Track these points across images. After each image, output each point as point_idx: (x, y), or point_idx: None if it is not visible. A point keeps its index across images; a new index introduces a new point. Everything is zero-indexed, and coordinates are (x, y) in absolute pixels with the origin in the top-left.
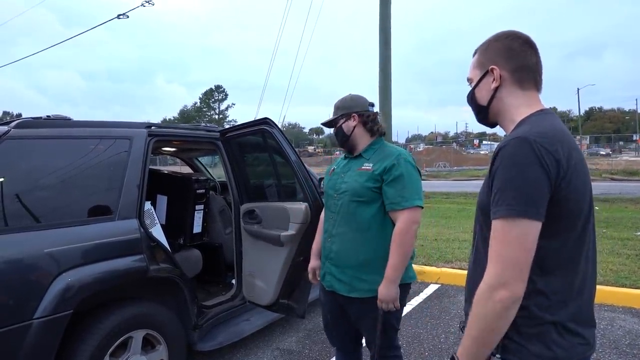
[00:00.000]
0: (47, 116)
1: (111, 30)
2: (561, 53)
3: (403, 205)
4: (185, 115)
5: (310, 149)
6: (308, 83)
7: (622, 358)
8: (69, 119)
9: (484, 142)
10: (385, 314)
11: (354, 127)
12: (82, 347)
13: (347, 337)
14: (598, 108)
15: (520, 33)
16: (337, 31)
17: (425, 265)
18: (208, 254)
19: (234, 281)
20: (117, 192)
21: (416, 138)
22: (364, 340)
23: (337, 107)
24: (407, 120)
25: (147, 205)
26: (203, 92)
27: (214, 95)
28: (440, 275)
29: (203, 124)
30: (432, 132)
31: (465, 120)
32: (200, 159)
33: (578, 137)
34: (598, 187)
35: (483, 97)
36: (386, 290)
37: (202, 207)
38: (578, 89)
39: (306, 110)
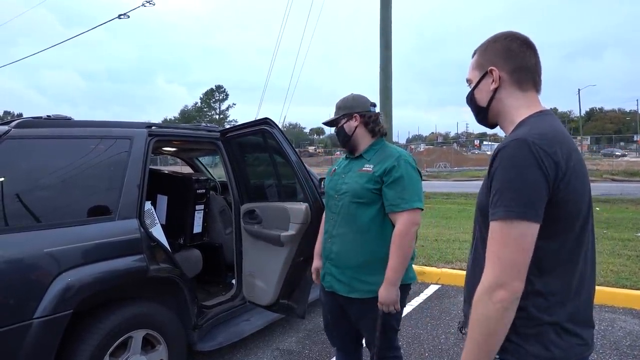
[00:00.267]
0: (48, 116)
1: (111, 30)
2: (561, 53)
3: (403, 207)
4: (186, 115)
5: (311, 149)
6: (309, 83)
7: (623, 359)
8: (70, 119)
9: (485, 142)
10: (385, 315)
11: (356, 128)
12: (82, 347)
13: (347, 337)
14: (599, 109)
15: (519, 34)
16: (338, 30)
17: (426, 265)
18: (208, 254)
19: (234, 281)
20: (118, 192)
21: (417, 138)
22: (364, 341)
23: (339, 107)
24: (408, 120)
25: (148, 205)
26: (204, 92)
27: (215, 95)
28: (440, 276)
29: (203, 124)
30: (432, 133)
31: (466, 121)
32: (200, 159)
33: (579, 137)
34: (599, 188)
35: (482, 98)
36: (386, 293)
37: (202, 207)
38: (579, 90)
39: (307, 110)
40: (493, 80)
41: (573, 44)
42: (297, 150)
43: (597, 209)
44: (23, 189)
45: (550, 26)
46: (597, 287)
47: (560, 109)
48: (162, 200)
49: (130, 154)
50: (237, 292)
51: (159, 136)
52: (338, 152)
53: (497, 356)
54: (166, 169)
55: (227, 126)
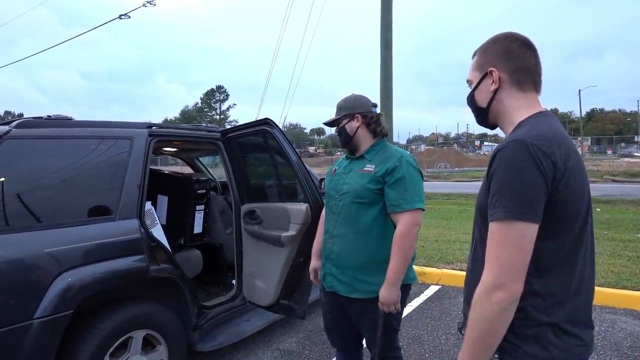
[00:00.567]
0: (48, 116)
1: (112, 30)
2: (562, 54)
3: (404, 208)
4: (187, 115)
5: (312, 149)
6: (309, 83)
7: None
8: (70, 119)
9: (485, 143)
10: (386, 315)
11: (358, 128)
12: (82, 347)
13: (347, 337)
14: (599, 109)
15: (519, 35)
16: (339, 30)
17: (426, 266)
18: (208, 255)
19: (234, 282)
20: (118, 192)
21: (417, 139)
22: (364, 341)
23: (340, 107)
24: (408, 120)
25: (148, 205)
26: (204, 92)
27: (215, 95)
28: (440, 277)
29: (204, 124)
30: (433, 133)
31: (467, 122)
32: (201, 159)
33: (579, 138)
34: (599, 189)
35: (482, 99)
36: (387, 293)
37: (202, 207)
38: (579, 90)
39: (307, 110)
40: (493, 81)
41: (574, 44)
42: (297, 150)
43: (598, 209)
44: (24, 189)
45: (552, 27)
46: (597, 288)
47: (561, 110)
48: (163, 200)
49: (130, 154)
50: (238, 293)
51: (159, 136)
52: (338, 153)
53: (497, 356)
54: (166, 169)
55: (228, 126)
